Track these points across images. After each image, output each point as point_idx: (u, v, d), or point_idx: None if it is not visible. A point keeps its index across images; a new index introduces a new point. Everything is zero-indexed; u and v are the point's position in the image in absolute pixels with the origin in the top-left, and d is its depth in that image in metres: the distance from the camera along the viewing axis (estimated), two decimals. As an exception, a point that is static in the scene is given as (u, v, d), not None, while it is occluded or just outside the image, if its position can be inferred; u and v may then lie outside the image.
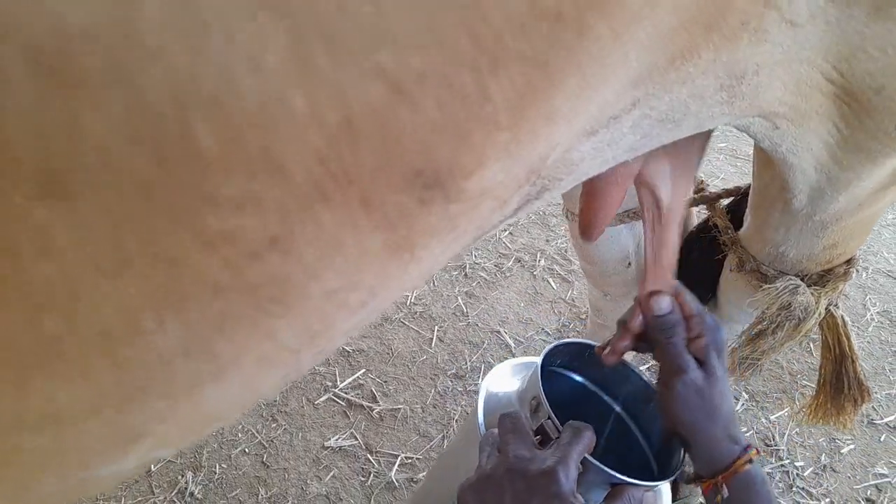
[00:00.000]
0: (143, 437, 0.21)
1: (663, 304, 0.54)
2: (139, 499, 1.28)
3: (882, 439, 1.46)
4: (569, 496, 0.44)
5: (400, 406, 1.46)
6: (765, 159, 0.65)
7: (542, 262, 1.88)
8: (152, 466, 1.34)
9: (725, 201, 0.94)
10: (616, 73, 0.26)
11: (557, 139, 0.26)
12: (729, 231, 0.88)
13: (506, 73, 0.19)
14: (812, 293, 0.78)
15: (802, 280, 0.79)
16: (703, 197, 0.92)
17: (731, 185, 0.92)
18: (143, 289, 0.17)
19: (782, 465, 1.40)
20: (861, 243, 0.80)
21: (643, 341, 0.58)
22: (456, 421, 1.44)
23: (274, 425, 1.42)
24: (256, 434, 1.40)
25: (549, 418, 0.52)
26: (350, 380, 1.50)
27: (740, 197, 0.92)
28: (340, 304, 0.23)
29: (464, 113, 0.19)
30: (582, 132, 0.29)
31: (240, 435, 1.40)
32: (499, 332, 1.65)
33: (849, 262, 0.81)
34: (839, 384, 0.81)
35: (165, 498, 1.28)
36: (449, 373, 1.54)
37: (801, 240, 0.76)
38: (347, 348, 1.57)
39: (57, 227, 0.15)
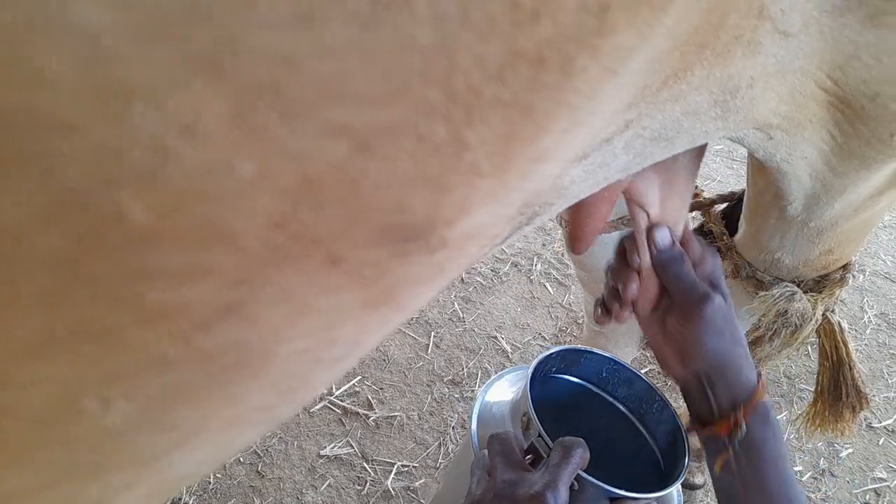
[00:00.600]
0: None
1: (665, 235, 0.52)
2: (133, 510, 1.27)
3: (881, 443, 1.46)
4: None
5: (396, 413, 1.45)
6: (759, 166, 0.65)
7: (539, 267, 1.87)
8: (146, 477, 1.32)
9: (720, 207, 0.93)
10: (610, 103, 0.25)
11: (549, 174, 0.25)
12: (724, 237, 0.87)
13: (484, 121, 0.18)
14: (809, 299, 0.78)
15: (799, 286, 0.78)
16: (697, 203, 0.92)
17: (727, 188, 0.92)
18: (79, 369, 0.16)
19: (781, 470, 1.40)
20: (857, 249, 0.80)
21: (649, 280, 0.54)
22: (453, 428, 1.43)
23: (269, 434, 1.41)
24: (251, 443, 1.39)
25: (539, 436, 0.51)
26: (346, 387, 1.49)
27: (735, 202, 0.92)
28: (315, 361, 0.22)
29: (440, 164, 0.18)
30: (573, 158, 0.28)
31: (235, 444, 1.39)
32: (496, 337, 1.64)
33: (845, 267, 0.80)
34: (837, 391, 0.80)
35: (160, 509, 1.27)
36: (445, 379, 1.53)
37: (796, 246, 0.76)
38: (343, 355, 1.56)
39: None
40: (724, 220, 0.91)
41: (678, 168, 0.49)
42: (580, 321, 1.71)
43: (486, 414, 0.59)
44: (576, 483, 0.47)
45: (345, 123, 0.15)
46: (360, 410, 1.44)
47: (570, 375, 0.65)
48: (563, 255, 1.92)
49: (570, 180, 0.33)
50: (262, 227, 0.16)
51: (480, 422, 0.58)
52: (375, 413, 1.44)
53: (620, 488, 0.48)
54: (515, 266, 1.88)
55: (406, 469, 1.34)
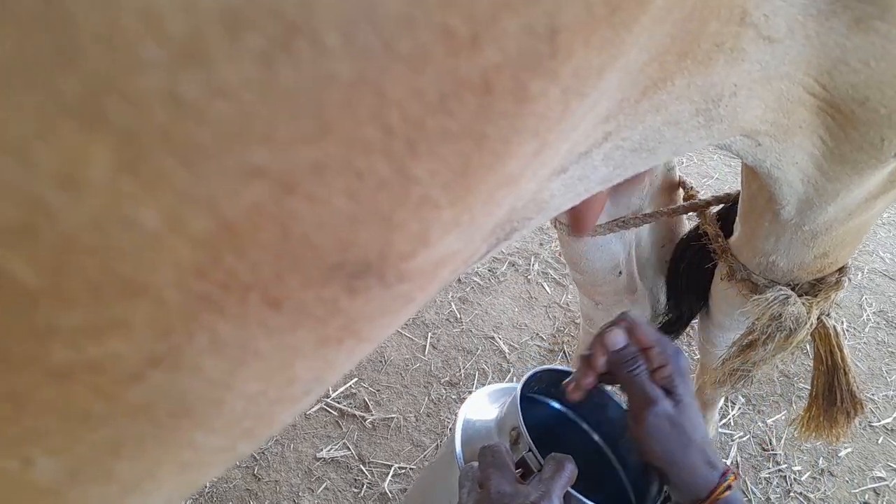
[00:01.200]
0: None
1: (618, 339, 0.54)
2: (129, 514, 1.27)
3: (880, 442, 1.45)
4: None
5: (393, 415, 1.44)
6: (751, 170, 0.64)
7: (537, 267, 1.86)
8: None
9: (715, 208, 0.93)
10: (583, 121, 0.24)
11: (524, 192, 0.24)
12: (719, 239, 0.87)
13: (432, 154, 0.17)
14: (804, 303, 0.77)
15: (794, 290, 0.78)
16: (693, 204, 0.91)
17: (725, 186, 0.91)
18: None
19: (780, 470, 1.39)
20: (853, 252, 0.79)
21: (607, 374, 0.57)
22: (450, 430, 1.43)
23: (266, 437, 1.40)
24: (248, 446, 1.39)
25: (529, 450, 0.51)
26: (342, 389, 1.48)
27: (731, 204, 0.91)
28: (275, 401, 0.21)
29: (386, 200, 0.17)
30: (550, 174, 0.27)
31: (231, 447, 1.39)
32: (493, 337, 1.64)
33: (840, 270, 0.79)
34: (832, 396, 0.79)
35: (156, 513, 1.27)
36: (443, 380, 1.53)
37: (791, 249, 0.75)
38: (340, 357, 1.56)
39: None
40: (719, 221, 0.91)
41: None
42: (577, 321, 1.70)
43: (469, 429, 0.59)
44: (563, 499, 0.48)
45: (258, 166, 0.15)
46: (356, 412, 1.44)
47: (552, 396, 0.66)
48: (560, 254, 1.91)
49: (550, 194, 0.33)
50: (181, 278, 0.15)
51: (464, 437, 0.58)
52: (372, 415, 1.44)
53: None
54: (513, 266, 1.87)
55: (403, 471, 1.34)
